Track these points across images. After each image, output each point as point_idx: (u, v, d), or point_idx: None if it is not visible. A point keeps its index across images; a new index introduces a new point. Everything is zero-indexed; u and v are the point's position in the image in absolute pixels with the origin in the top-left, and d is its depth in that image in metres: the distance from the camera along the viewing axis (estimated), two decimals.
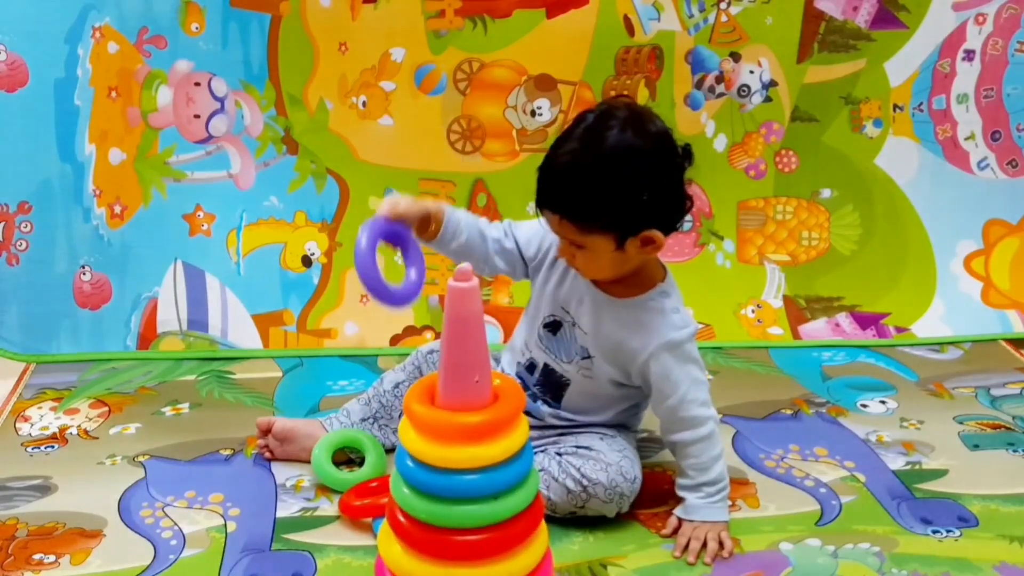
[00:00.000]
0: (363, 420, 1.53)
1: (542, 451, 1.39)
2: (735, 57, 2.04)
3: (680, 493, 1.36)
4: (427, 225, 1.32)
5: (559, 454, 1.37)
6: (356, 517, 1.36)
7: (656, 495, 1.42)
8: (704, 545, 1.31)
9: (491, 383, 1.09)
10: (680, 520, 1.35)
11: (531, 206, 2.00)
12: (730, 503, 1.40)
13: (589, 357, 1.37)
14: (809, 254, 2.09)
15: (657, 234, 1.27)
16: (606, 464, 1.35)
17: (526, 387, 1.42)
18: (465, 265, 1.05)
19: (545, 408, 1.43)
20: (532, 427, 1.38)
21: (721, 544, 1.31)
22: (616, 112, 1.25)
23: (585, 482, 1.34)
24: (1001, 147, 2.08)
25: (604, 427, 1.42)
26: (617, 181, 1.23)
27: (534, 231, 1.41)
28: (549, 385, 1.42)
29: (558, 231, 1.29)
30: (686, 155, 1.29)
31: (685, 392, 1.34)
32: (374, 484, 1.41)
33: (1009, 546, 1.34)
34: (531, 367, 1.42)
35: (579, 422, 1.42)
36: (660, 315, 1.34)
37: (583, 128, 1.25)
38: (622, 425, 1.44)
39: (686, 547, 1.31)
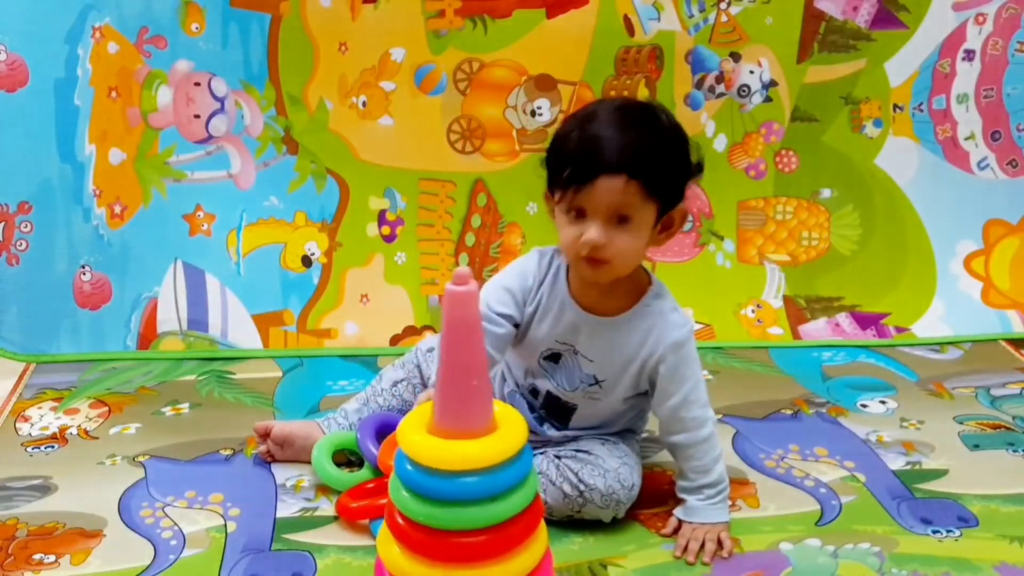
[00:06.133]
0: (362, 419, 1.53)
1: (541, 453, 1.38)
2: (735, 57, 2.04)
3: (680, 495, 1.36)
4: None
5: (557, 457, 1.37)
6: (353, 519, 1.36)
7: (656, 495, 1.42)
8: (703, 545, 1.31)
9: (490, 394, 1.08)
10: (680, 521, 1.35)
11: (531, 206, 2.01)
12: (730, 503, 1.40)
13: (597, 383, 1.36)
14: (809, 254, 2.09)
15: (683, 208, 1.29)
16: (604, 470, 1.34)
17: (532, 408, 1.41)
18: (463, 269, 1.04)
19: (552, 432, 1.41)
20: (535, 442, 1.36)
21: (720, 544, 1.31)
22: (641, 101, 1.34)
23: (582, 487, 1.33)
24: (1001, 147, 2.08)
25: (608, 432, 1.41)
26: (682, 150, 1.28)
27: (504, 295, 1.34)
28: (554, 410, 1.40)
29: (613, 200, 1.22)
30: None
31: (688, 392, 1.33)
32: (370, 485, 1.40)
33: (1009, 546, 1.34)
34: (534, 392, 1.41)
35: (582, 435, 1.41)
36: (660, 317, 1.33)
37: (631, 107, 1.29)
38: (627, 430, 1.43)
39: (686, 547, 1.31)
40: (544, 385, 1.39)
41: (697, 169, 1.30)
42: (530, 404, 1.42)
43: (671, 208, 1.28)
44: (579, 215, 1.25)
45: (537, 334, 1.36)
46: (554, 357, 1.36)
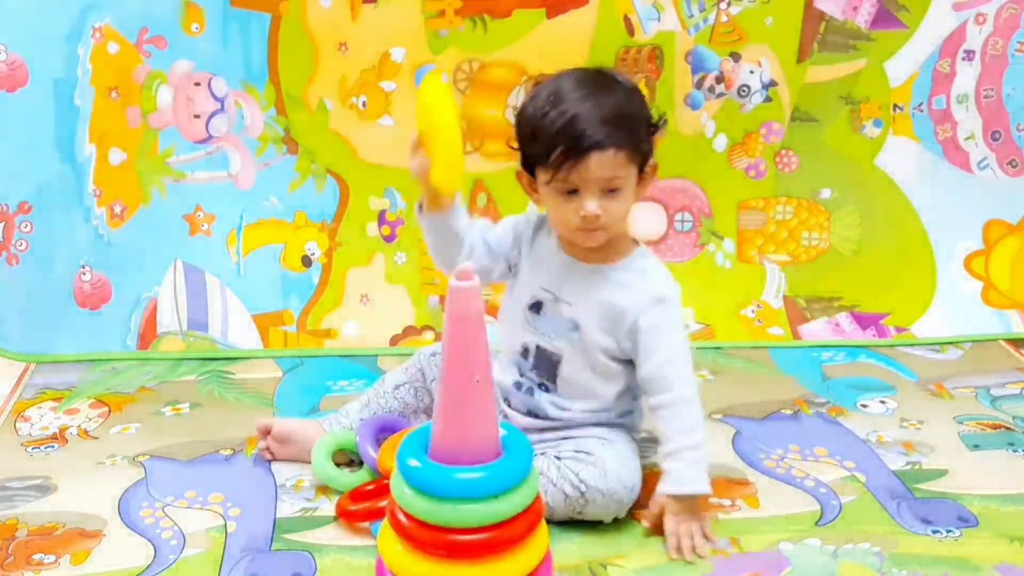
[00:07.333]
0: (362, 421, 1.53)
1: (541, 454, 1.38)
2: (735, 57, 2.04)
3: (664, 464, 1.34)
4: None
5: (558, 458, 1.37)
6: (352, 521, 1.36)
7: None
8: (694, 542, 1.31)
9: (492, 391, 1.08)
10: (665, 501, 1.33)
11: (531, 206, 2.00)
12: (729, 502, 1.41)
13: (577, 328, 1.38)
14: (809, 254, 2.09)
15: (654, 162, 1.36)
16: (605, 471, 1.34)
17: (523, 375, 1.43)
18: (466, 264, 1.05)
19: (543, 396, 1.42)
20: (532, 429, 1.39)
21: (705, 536, 1.32)
22: (593, 68, 1.39)
23: (583, 488, 1.33)
24: (1001, 147, 2.08)
25: (604, 427, 1.41)
26: (646, 107, 1.36)
27: (504, 228, 1.45)
28: (543, 366, 1.41)
29: (605, 174, 1.29)
30: None
31: (674, 349, 1.36)
32: (370, 487, 1.40)
33: (1009, 546, 1.34)
34: (525, 352, 1.43)
35: (577, 416, 1.41)
36: (645, 274, 1.39)
37: (591, 76, 1.34)
38: (621, 426, 1.44)
39: (678, 548, 1.31)
40: (532, 340, 1.42)
41: (662, 123, 1.37)
42: (521, 371, 1.43)
43: (646, 163, 1.35)
44: (571, 192, 1.31)
45: (526, 279, 1.42)
46: (537, 307, 1.41)
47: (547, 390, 1.42)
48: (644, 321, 1.35)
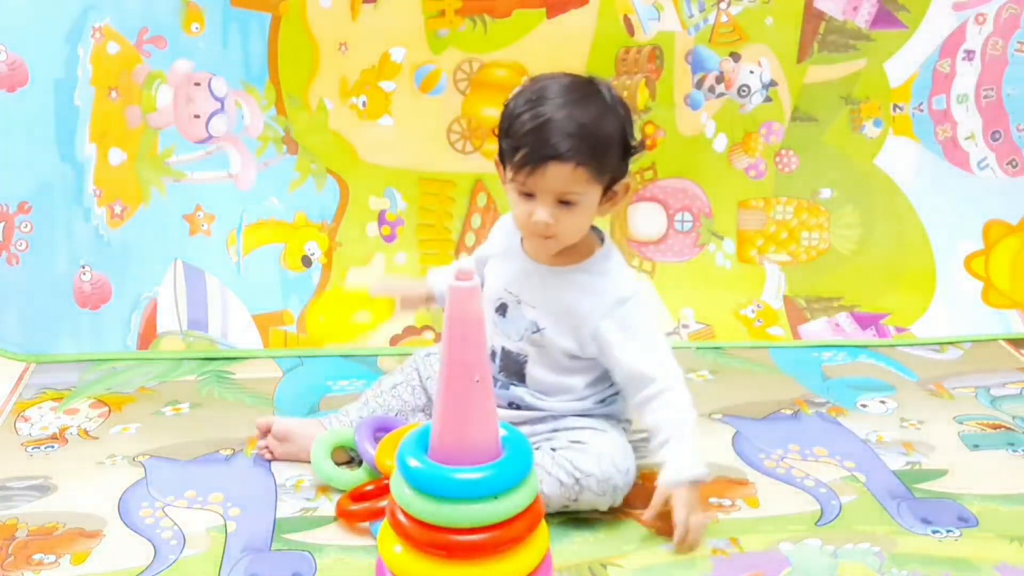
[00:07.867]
0: (361, 419, 1.53)
1: (536, 448, 1.38)
2: (735, 57, 2.04)
3: (661, 454, 1.34)
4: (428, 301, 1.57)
5: (553, 449, 1.38)
6: (352, 521, 1.36)
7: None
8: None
9: (491, 391, 1.09)
10: (674, 492, 1.31)
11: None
12: (729, 502, 1.41)
13: (539, 331, 1.40)
14: (809, 254, 2.09)
15: (627, 183, 1.37)
16: (598, 455, 1.35)
17: (494, 380, 1.43)
18: (466, 265, 1.06)
19: (518, 388, 1.43)
20: (520, 422, 1.41)
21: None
22: (585, 77, 1.38)
23: (578, 474, 1.34)
24: (1001, 147, 2.08)
25: (590, 417, 1.42)
26: (626, 128, 1.34)
27: (484, 244, 1.52)
28: (510, 367, 1.43)
29: (560, 187, 1.29)
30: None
31: (645, 344, 1.36)
32: (369, 487, 1.40)
33: (1009, 546, 1.34)
34: (492, 355, 1.44)
35: (556, 406, 1.42)
36: (604, 276, 1.39)
37: (578, 85, 1.34)
38: (607, 416, 1.44)
39: (685, 542, 1.31)
40: (498, 342, 1.43)
41: (640, 147, 1.38)
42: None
43: (616, 183, 1.35)
44: (528, 195, 1.33)
45: (491, 281, 1.45)
46: (502, 309, 1.43)
47: (518, 384, 1.44)
48: (607, 324, 1.36)
